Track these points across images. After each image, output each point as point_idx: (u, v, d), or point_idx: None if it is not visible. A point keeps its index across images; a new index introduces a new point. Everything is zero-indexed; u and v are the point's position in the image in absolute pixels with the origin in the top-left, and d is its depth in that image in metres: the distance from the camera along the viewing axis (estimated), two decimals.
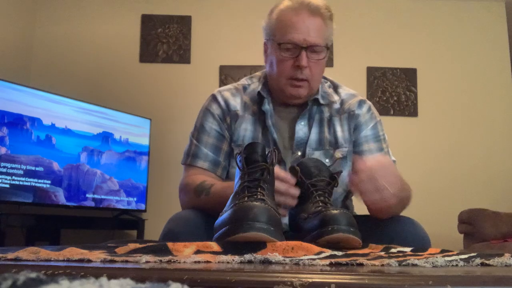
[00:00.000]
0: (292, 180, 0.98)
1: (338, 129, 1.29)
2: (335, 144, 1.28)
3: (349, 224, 0.77)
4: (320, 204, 0.88)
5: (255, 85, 1.34)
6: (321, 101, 1.30)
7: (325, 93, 1.33)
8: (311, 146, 1.26)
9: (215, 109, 1.32)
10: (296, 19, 1.22)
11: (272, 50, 1.27)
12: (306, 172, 0.96)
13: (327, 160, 1.25)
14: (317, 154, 1.25)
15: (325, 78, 1.38)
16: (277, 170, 0.96)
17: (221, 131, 1.31)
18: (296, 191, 0.97)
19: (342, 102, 1.32)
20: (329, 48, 1.26)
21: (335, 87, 1.37)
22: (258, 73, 1.40)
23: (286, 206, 0.99)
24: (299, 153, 1.26)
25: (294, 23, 1.21)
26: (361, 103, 1.33)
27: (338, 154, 1.27)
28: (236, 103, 1.32)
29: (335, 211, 0.79)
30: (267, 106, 1.28)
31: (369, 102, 1.35)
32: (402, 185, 1.11)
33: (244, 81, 1.38)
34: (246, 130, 1.29)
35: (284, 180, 0.97)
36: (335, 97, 1.33)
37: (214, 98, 1.34)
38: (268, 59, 1.30)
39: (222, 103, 1.32)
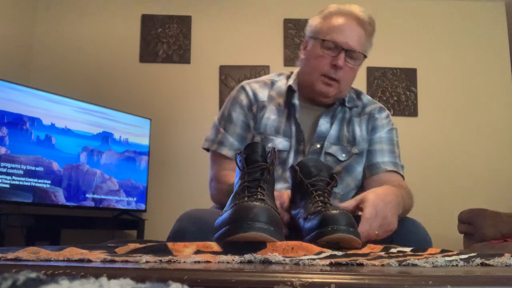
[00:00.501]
0: (286, 202, 0.99)
1: (357, 128, 1.37)
2: (353, 142, 1.35)
3: (349, 224, 0.77)
4: (320, 204, 0.88)
5: (283, 82, 1.40)
6: (347, 104, 1.38)
7: (351, 98, 1.41)
8: (330, 141, 1.33)
9: (243, 99, 1.37)
10: (343, 23, 1.30)
11: (313, 47, 1.33)
12: (306, 172, 0.95)
13: (343, 155, 1.31)
14: (335, 149, 1.32)
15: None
16: (276, 193, 0.97)
17: (247, 121, 1.36)
18: (287, 216, 0.98)
19: (363, 106, 1.41)
20: (365, 58, 1.34)
21: (358, 94, 1.44)
22: (286, 72, 1.47)
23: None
24: (318, 146, 1.32)
25: (341, 26, 1.29)
26: (381, 109, 1.42)
27: (354, 150, 1.33)
28: (263, 95, 1.38)
29: (334, 211, 0.79)
30: (296, 101, 1.34)
31: (388, 111, 1.44)
32: (404, 202, 1.12)
33: (272, 76, 1.44)
34: (269, 119, 1.34)
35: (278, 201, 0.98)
36: (359, 103, 1.42)
37: (242, 88, 1.40)
38: (306, 55, 1.36)
39: (250, 93, 1.38)
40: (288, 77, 1.42)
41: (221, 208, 1.19)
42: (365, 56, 1.33)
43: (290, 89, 1.36)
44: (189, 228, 1.09)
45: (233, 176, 1.26)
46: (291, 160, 1.29)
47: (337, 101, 1.36)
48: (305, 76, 1.35)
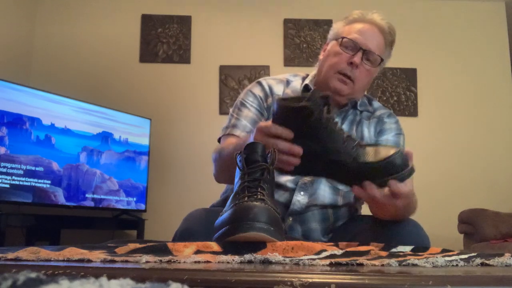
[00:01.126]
0: (290, 135, 0.93)
1: (365, 130, 1.38)
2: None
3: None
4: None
5: (298, 82, 1.41)
6: (359, 107, 1.40)
7: (363, 102, 1.44)
8: None
9: (258, 92, 1.38)
10: (365, 27, 1.33)
11: (332, 46, 1.36)
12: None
13: None
14: None
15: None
16: (275, 126, 0.93)
17: (261, 110, 1.36)
18: (299, 150, 0.92)
19: (374, 110, 1.43)
20: (382, 62, 1.36)
21: (369, 100, 1.47)
22: (302, 73, 1.48)
23: (282, 169, 0.95)
24: None
25: (362, 28, 1.33)
26: (391, 115, 1.44)
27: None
28: (278, 89, 1.39)
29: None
30: None
31: (397, 118, 1.45)
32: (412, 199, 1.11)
33: (288, 76, 1.45)
34: None
35: (282, 136, 0.93)
36: (370, 108, 1.44)
37: (259, 83, 1.41)
38: (325, 54, 1.38)
39: (266, 87, 1.39)
40: (303, 78, 1.44)
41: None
42: (382, 60, 1.35)
43: (306, 88, 1.37)
44: (197, 228, 1.09)
45: (229, 142, 1.27)
46: None
47: (349, 103, 1.37)
48: (321, 74, 1.36)
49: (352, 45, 1.31)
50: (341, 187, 1.29)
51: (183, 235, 1.09)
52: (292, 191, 1.27)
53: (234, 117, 1.36)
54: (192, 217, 1.15)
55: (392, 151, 0.90)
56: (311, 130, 0.90)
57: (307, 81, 1.39)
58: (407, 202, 1.03)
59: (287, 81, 1.42)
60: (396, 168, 0.89)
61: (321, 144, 0.91)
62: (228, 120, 1.39)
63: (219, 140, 1.38)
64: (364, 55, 1.30)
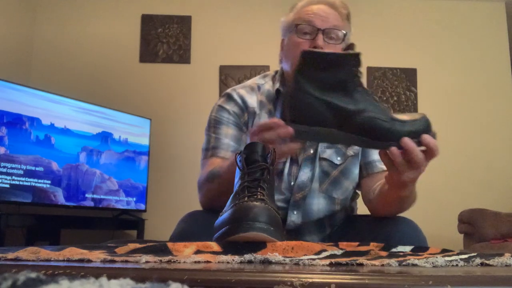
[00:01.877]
0: (279, 121, 0.90)
1: None
2: None
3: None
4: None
5: (269, 85, 1.31)
6: None
7: None
8: (323, 144, 1.25)
9: (232, 107, 1.28)
10: (315, 8, 1.23)
11: (289, 39, 1.26)
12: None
13: (338, 158, 1.25)
14: (329, 152, 1.25)
15: None
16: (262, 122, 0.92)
17: (239, 125, 1.27)
18: (291, 130, 0.89)
19: None
20: (346, 36, 1.24)
21: None
22: (271, 72, 1.38)
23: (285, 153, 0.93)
24: (311, 151, 1.24)
25: (313, 10, 1.23)
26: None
27: (350, 152, 1.27)
28: (252, 100, 1.29)
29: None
30: None
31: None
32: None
33: (257, 80, 1.35)
34: None
35: (270, 126, 0.91)
36: None
37: (229, 96, 1.30)
38: (284, 52, 1.28)
39: (238, 100, 1.29)
40: (273, 78, 1.33)
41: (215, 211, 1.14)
42: (345, 34, 1.23)
43: (278, 93, 1.28)
44: (193, 229, 1.08)
45: (213, 165, 1.19)
46: (286, 170, 1.22)
47: None
48: (289, 72, 1.25)
49: (309, 29, 1.21)
50: (336, 195, 1.24)
51: (180, 236, 1.08)
52: (284, 210, 1.21)
53: (213, 137, 1.26)
54: (189, 218, 1.14)
55: (418, 114, 0.91)
56: (349, 84, 0.87)
57: (278, 85, 1.28)
58: (412, 191, 1.04)
59: (258, 86, 1.32)
60: (429, 127, 0.90)
61: (357, 101, 0.88)
62: (206, 141, 1.28)
63: (204, 158, 1.29)
64: (324, 35, 1.20)
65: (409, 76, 3.58)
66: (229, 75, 3.48)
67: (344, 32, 1.23)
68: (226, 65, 3.51)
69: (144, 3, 3.59)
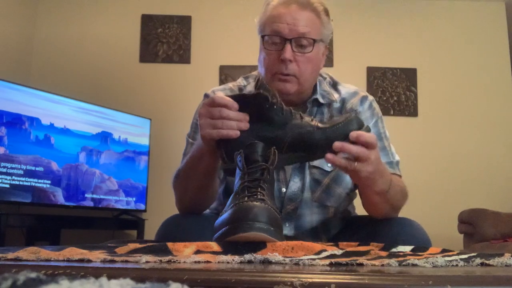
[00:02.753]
0: (235, 105, 0.91)
1: None
2: None
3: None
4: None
5: (252, 86, 1.27)
6: (321, 101, 1.22)
7: (325, 91, 1.24)
8: None
9: None
10: (284, 11, 1.14)
11: (260, 46, 1.19)
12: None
13: (329, 165, 1.18)
14: (318, 160, 1.20)
15: (321, 75, 1.28)
16: (219, 97, 0.91)
17: None
18: (245, 115, 0.91)
19: (343, 101, 1.24)
20: (317, 42, 1.15)
21: (334, 84, 1.29)
22: (255, 73, 1.33)
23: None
24: None
25: (281, 15, 1.13)
26: (362, 100, 1.25)
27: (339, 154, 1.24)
28: None
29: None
30: None
31: (370, 98, 1.28)
32: (396, 186, 1.10)
33: (240, 81, 1.31)
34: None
35: (227, 106, 0.90)
36: (335, 96, 1.24)
37: (207, 98, 1.28)
38: (259, 54, 1.22)
39: None
40: (255, 79, 1.28)
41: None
42: (315, 41, 1.14)
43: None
44: (174, 233, 1.06)
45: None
46: (274, 176, 1.20)
47: (308, 103, 1.21)
48: (265, 78, 1.20)
49: (277, 40, 1.13)
50: (330, 203, 1.20)
51: (161, 241, 1.07)
52: None
53: (189, 143, 1.25)
54: (170, 223, 1.13)
55: (347, 114, 0.95)
56: (269, 115, 0.91)
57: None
58: (393, 187, 1.04)
59: (239, 88, 1.28)
60: (354, 125, 0.92)
61: (281, 124, 0.92)
62: (185, 146, 1.28)
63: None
64: (293, 45, 1.12)
65: (409, 76, 3.58)
66: (229, 75, 3.48)
67: (314, 38, 1.14)
68: (226, 65, 3.51)
69: (144, 3, 3.59)
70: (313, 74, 1.20)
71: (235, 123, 0.90)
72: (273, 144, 0.87)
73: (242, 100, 0.92)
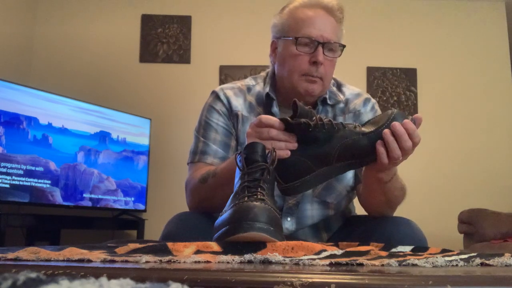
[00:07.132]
0: (281, 125, 0.92)
1: None
2: None
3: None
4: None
5: (260, 86, 1.30)
6: (329, 102, 1.27)
7: (332, 92, 1.29)
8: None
9: (220, 107, 1.28)
10: (313, 15, 1.20)
11: (285, 47, 1.23)
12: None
13: None
14: None
15: None
16: (266, 116, 0.93)
17: (228, 128, 1.27)
18: (293, 136, 0.92)
19: (347, 102, 1.29)
20: (344, 47, 1.24)
21: (339, 86, 1.33)
22: (262, 74, 1.36)
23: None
24: None
25: (311, 18, 1.19)
26: (365, 102, 1.30)
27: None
28: (238, 103, 1.27)
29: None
30: (276, 109, 1.25)
31: (373, 100, 1.33)
32: (400, 185, 1.11)
33: (248, 81, 1.34)
34: None
35: (274, 126, 0.91)
36: (340, 96, 1.30)
37: (217, 96, 1.30)
38: (279, 57, 1.27)
39: (224, 101, 1.28)
40: (265, 80, 1.32)
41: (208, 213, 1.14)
42: (343, 46, 1.23)
43: (268, 97, 1.26)
44: (178, 231, 1.07)
45: (207, 168, 1.17)
46: None
47: (318, 102, 1.26)
48: (284, 80, 1.24)
49: (308, 42, 1.19)
50: (330, 200, 1.22)
51: (165, 239, 1.07)
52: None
53: (201, 141, 1.27)
54: (174, 221, 1.13)
55: (389, 112, 0.96)
56: (313, 135, 0.92)
57: (267, 89, 1.27)
58: (398, 184, 1.07)
59: (248, 88, 1.31)
60: (400, 121, 0.96)
61: (327, 140, 0.92)
62: (194, 143, 1.29)
63: (192, 161, 1.28)
64: (324, 48, 1.18)
65: (409, 76, 3.58)
66: (229, 75, 3.48)
67: (343, 44, 1.23)
68: (226, 65, 3.51)
69: (144, 3, 3.59)
70: (332, 76, 1.27)
71: (284, 143, 0.91)
72: (323, 159, 0.91)
73: (285, 123, 0.93)
